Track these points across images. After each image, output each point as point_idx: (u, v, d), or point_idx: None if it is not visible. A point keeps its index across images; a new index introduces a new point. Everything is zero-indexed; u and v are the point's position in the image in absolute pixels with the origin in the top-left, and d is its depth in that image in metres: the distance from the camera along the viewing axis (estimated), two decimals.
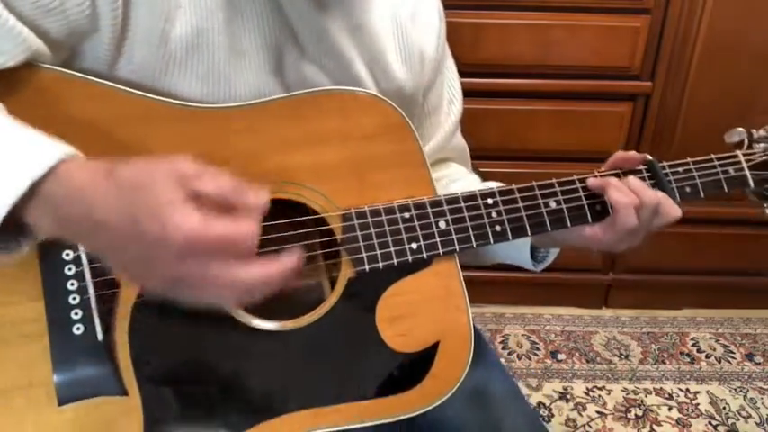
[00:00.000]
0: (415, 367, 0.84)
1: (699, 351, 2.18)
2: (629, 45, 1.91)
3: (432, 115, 1.06)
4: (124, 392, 0.76)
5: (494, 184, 0.92)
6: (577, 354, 2.14)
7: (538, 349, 2.16)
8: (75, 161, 0.63)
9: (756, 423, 1.91)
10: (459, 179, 1.08)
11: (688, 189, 0.93)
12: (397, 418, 0.83)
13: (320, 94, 0.84)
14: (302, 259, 0.63)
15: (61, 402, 0.74)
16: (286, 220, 0.82)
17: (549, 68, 1.96)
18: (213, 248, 0.58)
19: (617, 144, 2.02)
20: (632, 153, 0.93)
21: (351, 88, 0.85)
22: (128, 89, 0.77)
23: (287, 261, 0.61)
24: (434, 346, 0.85)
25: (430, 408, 0.84)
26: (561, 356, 2.13)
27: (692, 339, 2.22)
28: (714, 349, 2.19)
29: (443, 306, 0.86)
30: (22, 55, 0.72)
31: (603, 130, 2.02)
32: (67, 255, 0.75)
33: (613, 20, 1.89)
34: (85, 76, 0.76)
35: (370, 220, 0.83)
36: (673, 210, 0.88)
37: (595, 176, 0.90)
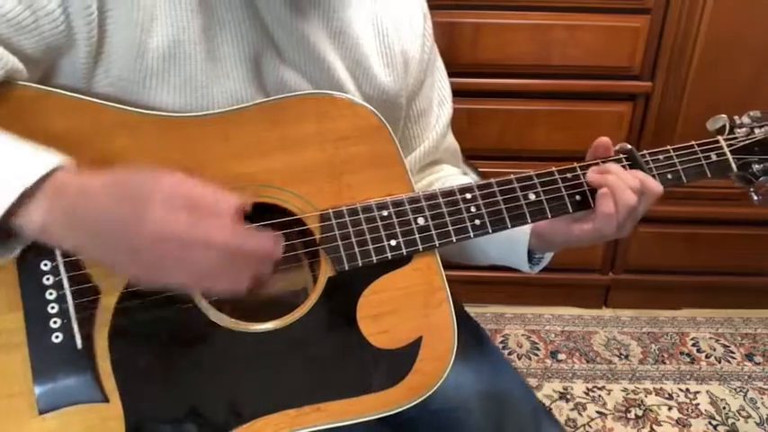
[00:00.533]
0: (398, 364, 0.84)
1: (699, 351, 2.17)
2: (629, 45, 1.91)
3: (421, 118, 1.06)
4: (105, 399, 0.77)
5: None
6: (577, 354, 2.14)
7: (538, 349, 2.16)
8: (69, 169, 0.67)
9: (756, 423, 1.90)
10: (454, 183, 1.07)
11: (669, 176, 0.93)
12: (381, 415, 0.83)
13: (297, 97, 0.84)
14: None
15: (42, 411, 0.75)
16: (264, 222, 0.83)
17: (549, 68, 1.95)
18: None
19: (617, 144, 2.01)
20: (607, 140, 0.94)
21: (327, 91, 0.86)
22: (103, 102, 0.78)
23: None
24: (417, 342, 0.85)
25: (415, 403, 0.84)
26: (561, 356, 2.13)
27: (691, 339, 2.22)
28: (714, 349, 2.18)
29: (425, 301, 0.86)
30: None
31: (603, 130, 1.97)
32: (45, 265, 0.75)
33: (613, 20, 1.88)
34: (60, 91, 0.77)
35: (347, 219, 0.84)
36: (656, 186, 0.89)
37: (573, 167, 0.91)
